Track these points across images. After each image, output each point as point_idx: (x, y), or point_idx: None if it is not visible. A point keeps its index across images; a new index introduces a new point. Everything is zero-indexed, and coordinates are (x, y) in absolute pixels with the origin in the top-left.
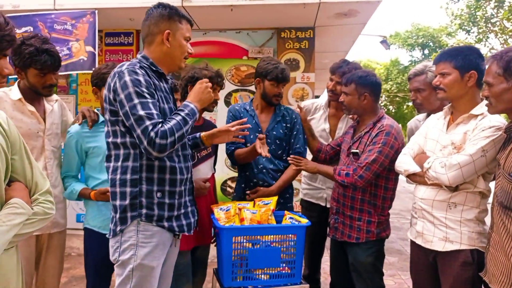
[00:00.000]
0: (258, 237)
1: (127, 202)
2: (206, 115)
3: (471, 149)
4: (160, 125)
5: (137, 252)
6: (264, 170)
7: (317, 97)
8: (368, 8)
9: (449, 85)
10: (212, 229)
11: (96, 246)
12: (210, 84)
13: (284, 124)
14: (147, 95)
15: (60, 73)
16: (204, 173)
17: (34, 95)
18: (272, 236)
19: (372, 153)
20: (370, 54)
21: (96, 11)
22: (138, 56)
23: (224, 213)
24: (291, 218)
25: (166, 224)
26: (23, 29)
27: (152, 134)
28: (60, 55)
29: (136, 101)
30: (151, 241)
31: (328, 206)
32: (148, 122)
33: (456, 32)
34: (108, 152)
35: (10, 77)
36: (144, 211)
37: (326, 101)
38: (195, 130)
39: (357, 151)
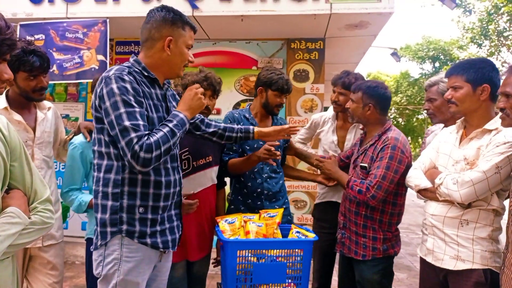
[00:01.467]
0: (264, 251)
1: (107, 216)
2: None
3: (484, 165)
4: (145, 138)
5: (120, 267)
6: (269, 180)
7: (326, 108)
8: (379, 20)
9: (461, 99)
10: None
11: None
12: (201, 90)
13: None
14: (134, 104)
15: (71, 81)
16: (199, 183)
17: (24, 103)
18: (278, 250)
19: (381, 169)
20: (380, 66)
21: (108, 20)
22: (131, 59)
23: (229, 226)
24: (297, 232)
25: (149, 240)
26: (36, 36)
27: (137, 147)
28: (71, 63)
29: (122, 110)
30: (136, 255)
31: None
32: (133, 134)
33: (467, 45)
34: (94, 161)
35: None
36: (124, 227)
37: (333, 113)
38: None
39: (365, 165)
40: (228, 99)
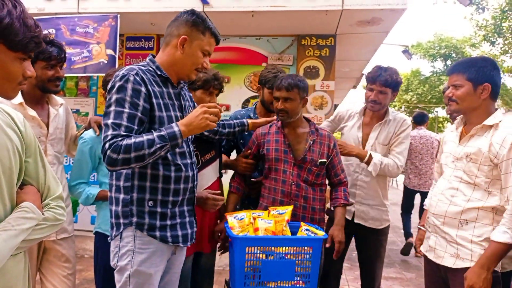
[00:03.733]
0: (273, 248)
1: (119, 208)
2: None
3: None
4: (120, 138)
5: (134, 258)
6: None
7: (336, 106)
8: (392, 16)
9: (461, 97)
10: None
11: (106, 250)
12: (212, 111)
13: None
14: (126, 105)
15: (79, 75)
16: (209, 178)
17: (38, 98)
18: (286, 248)
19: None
20: (391, 64)
21: (118, 15)
22: (147, 58)
23: (238, 222)
24: (307, 230)
25: (158, 233)
26: (46, 31)
27: (107, 145)
28: (80, 57)
29: (112, 108)
30: (149, 247)
31: (356, 221)
32: (109, 132)
33: (480, 43)
34: None
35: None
36: (135, 219)
37: (361, 109)
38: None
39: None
40: (238, 96)
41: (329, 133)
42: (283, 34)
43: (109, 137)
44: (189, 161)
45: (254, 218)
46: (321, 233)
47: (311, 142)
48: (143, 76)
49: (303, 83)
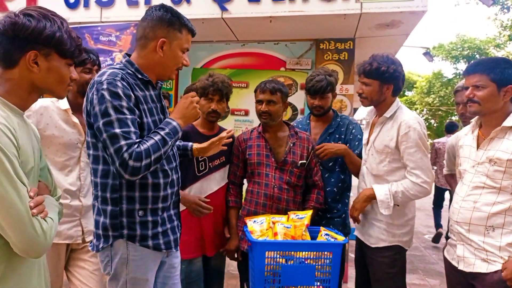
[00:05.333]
0: (292, 253)
1: (107, 220)
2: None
3: None
4: (136, 146)
5: (128, 265)
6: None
7: (355, 109)
8: (412, 19)
9: (485, 98)
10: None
11: None
12: (196, 99)
13: None
14: (125, 111)
15: None
16: (214, 184)
17: (79, 105)
18: (306, 252)
19: None
20: (412, 66)
21: None
22: (123, 59)
23: (258, 226)
24: (326, 234)
25: (151, 243)
26: None
27: (126, 155)
28: (104, 65)
29: (113, 117)
30: (142, 253)
31: (355, 233)
32: (123, 142)
33: (505, 43)
34: (90, 165)
35: None
36: (125, 231)
37: (371, 108)
38: (208, 139)
39: None
40: None
41: (308, 136)
42: (301, 39)
43: (124, 148)
44: (174, 164)
45: (274, 223)
46: (341, 238)
47: (291, 145)
48: (128, 80)
49: (285, 88)
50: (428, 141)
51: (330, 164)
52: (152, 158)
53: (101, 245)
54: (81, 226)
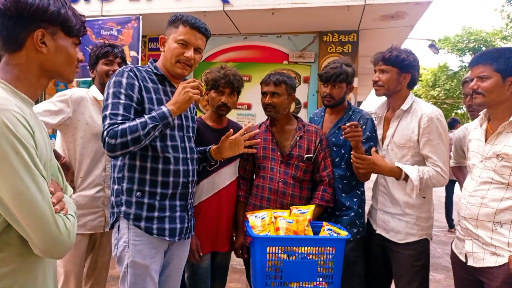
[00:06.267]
0: (294, 248)
1: (113, 198)
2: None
3: None
4: (116, 126)
5: (129, 249)
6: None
7: (360, 103)
8: (417, 10)
9: (489, 89)
10: (233, 237)
11: None
12: (191, 85)
13: None
14: (122, 96)
15: None
16: (226, 177)
17: None
18: (308, 248)
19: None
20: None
21: (141, 17)
22: (149, 61)
23: (260, 221)
24: (329, 229)
25: (143, 224)
26: None
27: (105, 133)
28: None
29: (109, 101)
30: (142, 239)
31: (377, 231)
32: (107, 121)
33: None
34: None
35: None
36: (123, 208)
37: (383, 101)
38: (217, 133)
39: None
40: (259, 94)
41: (317, 129)
42: (304, 31)
43: (106, 126)
44: (181, 155)
45: (275, 218)
46: (344, 233)
47: (298, 138)
48: (136, 72)
49: (291, 80)
50: None
51: (337, 159)
52: (129, 137)
53: (110, 222)
54: (105, 216)
